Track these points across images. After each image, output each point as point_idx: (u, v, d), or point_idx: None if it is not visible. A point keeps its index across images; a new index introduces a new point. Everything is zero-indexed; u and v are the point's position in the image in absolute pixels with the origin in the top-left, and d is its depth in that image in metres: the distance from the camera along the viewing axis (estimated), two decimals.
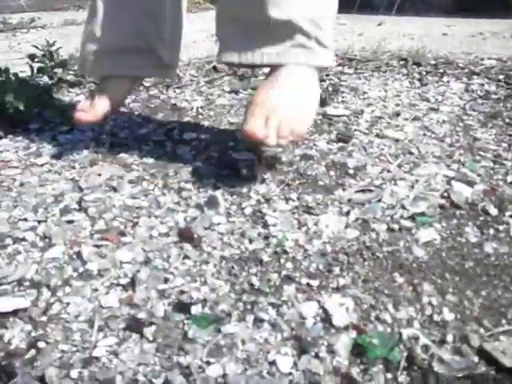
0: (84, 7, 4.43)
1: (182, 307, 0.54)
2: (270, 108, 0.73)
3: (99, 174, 0.87)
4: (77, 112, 0.92)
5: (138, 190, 0.82)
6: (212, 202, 0.75)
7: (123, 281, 0.60)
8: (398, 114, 1.16)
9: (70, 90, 1.46)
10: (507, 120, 1.11)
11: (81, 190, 0.83)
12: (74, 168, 0.93)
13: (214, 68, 1.67)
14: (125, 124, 1.16)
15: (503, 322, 0.52)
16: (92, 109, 0.93)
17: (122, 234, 0.69)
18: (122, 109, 1.30)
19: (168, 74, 1.05)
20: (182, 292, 0.57)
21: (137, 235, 0.68)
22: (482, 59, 1.69)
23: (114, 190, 0.82)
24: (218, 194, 0.79)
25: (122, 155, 0.97)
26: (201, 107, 1.26)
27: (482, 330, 0.51)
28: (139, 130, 1.11)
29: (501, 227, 0.69)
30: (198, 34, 2.51)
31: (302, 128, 0.76)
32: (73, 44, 2.23)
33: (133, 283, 0.59)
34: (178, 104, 1.31)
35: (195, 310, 0.54)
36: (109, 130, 1.12)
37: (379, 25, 2.71)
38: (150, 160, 0.95)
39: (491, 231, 0.68)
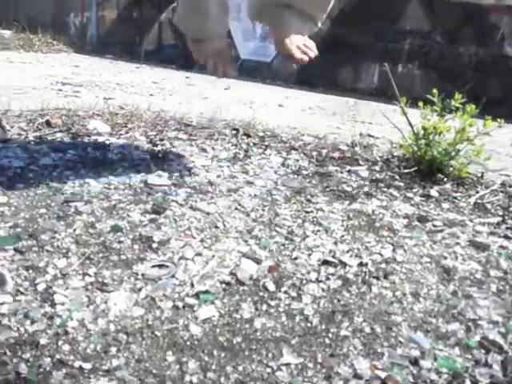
0: None
1: None
2: None
3: None
4: None
5: None
6: None
7: None
8: (216, 186, 1.26)
9: None
10: (308, 196, 1.28)
11: None
12: None
13: (48, 122, 1.64)
14: None
15: None
16: None
17: None
18: None
19: None
20: None
21: None
22: (303, 135, 1.91)
23: None
24: (12, 268, 0.78)
25: None
26: (21, 167, 1.23)
27: None
28: None
29: (273, 302, 0.79)
30: (42, 81, 2.44)
31: None
32: None
33: None
34: None
35: None
36: None
37: (226, 89, 2.91)
38: None
39: (264, 307, 0.78)
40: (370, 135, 2.01)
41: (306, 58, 1.31)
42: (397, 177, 1.48)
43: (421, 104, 1.46)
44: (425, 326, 0.75)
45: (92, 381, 0.58)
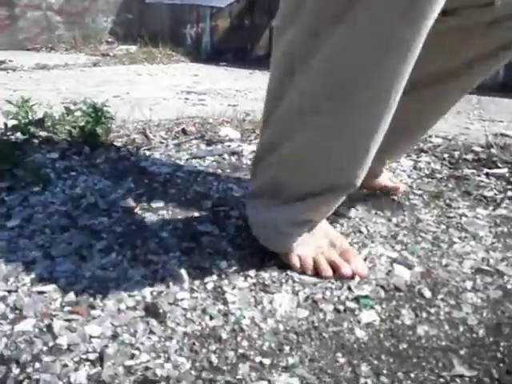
0: (56, 49, 4.52)
1: None
2: None
3: (70, 243, 0.93)
4: None
5: (107, 261, 0.87)
6: (177, 278, 0.81)
7: (92, 356, 0.65)
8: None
9: (42, 146, 1.51)
10: (447, 201, 1.24)
11: (52, 258, 0.88)
12: (44, 233, 0.97)
13: (183, 130, 1.76)
14: (95, 187, 1.22)
15: None
16: None
17: (92, 306, 0.74)
18: (93, 169, 1.36)
19: None
20: (147, 368, 0.62)
21: (106, 308, 0.74)
22: (431, 136, 1.85)
23: (84, 259, 0.88)
24: (183, 268, 0.85)
25: (92, 221, 1.03)
26: (169, 173, 1.33)
27: None
28: (109, 196, 1.17)
29: (432, 310, 0.78)
30: (169, 91, 2.62)
31: None
32: (44, 92, 2.30)
33: (101, 359, 0.64)
34: (147, 168, 1.38)
35: None
36: (79, 193, 1.17)
37: None
38: (119, 228, 1.01)
39: (424, 314, 0.77)
40: (504, 135, 1.89)
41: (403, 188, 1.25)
42: None
43: None
44: None
45: (275, 376, 0.62)
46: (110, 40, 4.65)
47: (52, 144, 1.52)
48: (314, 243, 0.88)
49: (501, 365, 0.66)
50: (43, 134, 1.56)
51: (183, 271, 0.83)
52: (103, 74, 3.30)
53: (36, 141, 1.52)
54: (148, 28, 4.73)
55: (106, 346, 0.66)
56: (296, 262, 0.85)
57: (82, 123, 1.55)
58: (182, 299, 0.76)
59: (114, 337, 0.68)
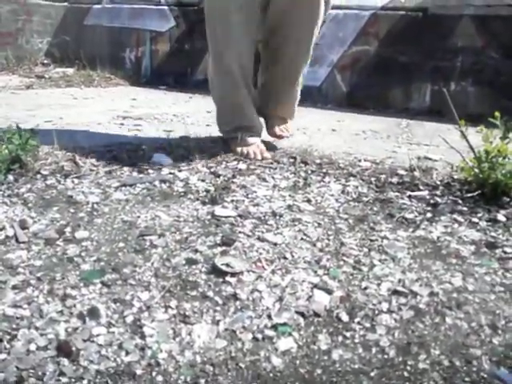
0: None
1: None
2: None
3: None
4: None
5: (22, 297, 0.84)
6: (94, 312, 0.79)
7: None
8: (280, 216, 1.30)
9: None
10: (371, 224, 1.29)
11: None
12: None
13: (115, 157, 1.73)
14: (16, 218, 1.18)
15: None
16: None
17: None
18: (16, 199, 1.32)
19: None
20: None
21: (13, 350, 0.71)
22: (360, 160, 1.92)
23: None
24: (102, 301, 0.83)
25: (9, 256, 0.99)
26: (96, 202, 1.31)
27: None
28: (31, 227, 1.13)
29: (348, 333, 0.81)
30: (104, 115, 2.58)
31: None
32: None
33: None
34: (74, 196, 1.35)
35: None
36: None
37: None
38: (39, 262, 0.97)
39: (340, 338, 0.79)
40: (427, 158, 1.99)
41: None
42: (459, 201, 1.46)
43: (482, 128, 1.45)
44: (508, 361, 0.74)
45: None
46: (45, 62, 4.53)
47: None
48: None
49: (407, 383, 0.69)
50: None
51: (101, 304, 0.81)
52: (37, 97, 3.21)
53: None
54: (86, 50, 4.66)
55: None
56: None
57: (6, 150, 1.50)
58: (97, 335, 0.75)
59: (18, 382, 0.65)
